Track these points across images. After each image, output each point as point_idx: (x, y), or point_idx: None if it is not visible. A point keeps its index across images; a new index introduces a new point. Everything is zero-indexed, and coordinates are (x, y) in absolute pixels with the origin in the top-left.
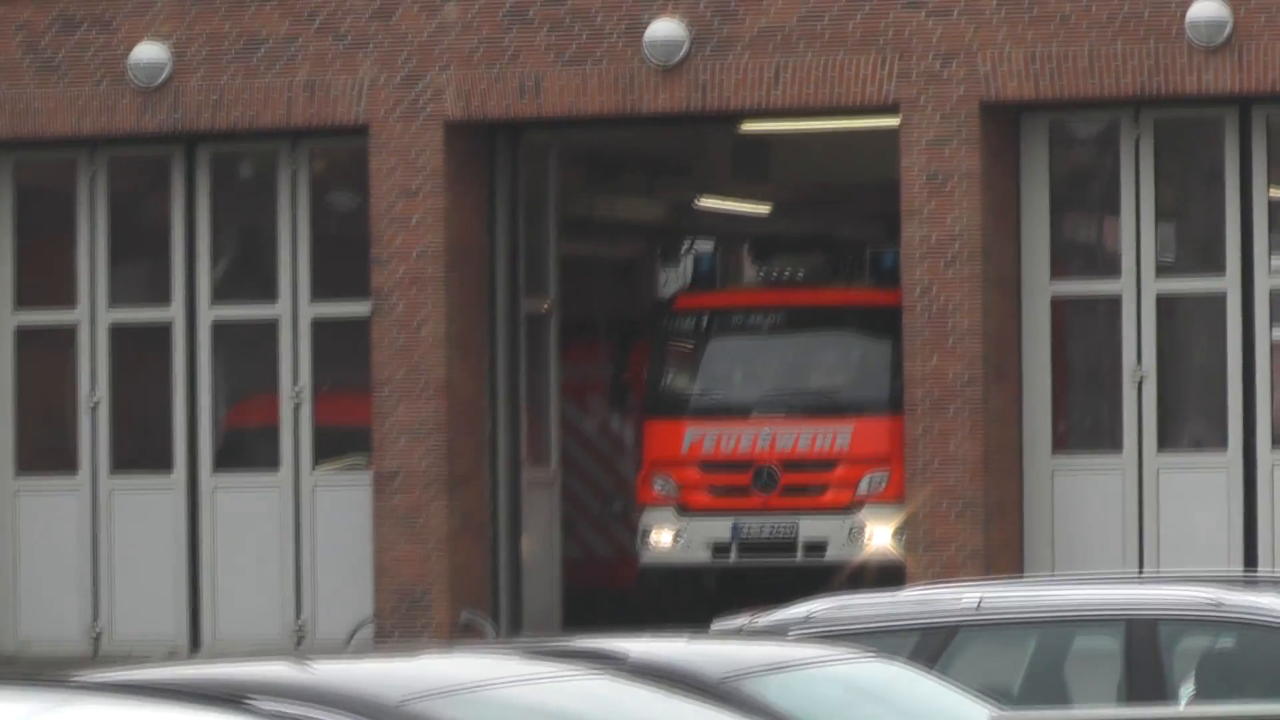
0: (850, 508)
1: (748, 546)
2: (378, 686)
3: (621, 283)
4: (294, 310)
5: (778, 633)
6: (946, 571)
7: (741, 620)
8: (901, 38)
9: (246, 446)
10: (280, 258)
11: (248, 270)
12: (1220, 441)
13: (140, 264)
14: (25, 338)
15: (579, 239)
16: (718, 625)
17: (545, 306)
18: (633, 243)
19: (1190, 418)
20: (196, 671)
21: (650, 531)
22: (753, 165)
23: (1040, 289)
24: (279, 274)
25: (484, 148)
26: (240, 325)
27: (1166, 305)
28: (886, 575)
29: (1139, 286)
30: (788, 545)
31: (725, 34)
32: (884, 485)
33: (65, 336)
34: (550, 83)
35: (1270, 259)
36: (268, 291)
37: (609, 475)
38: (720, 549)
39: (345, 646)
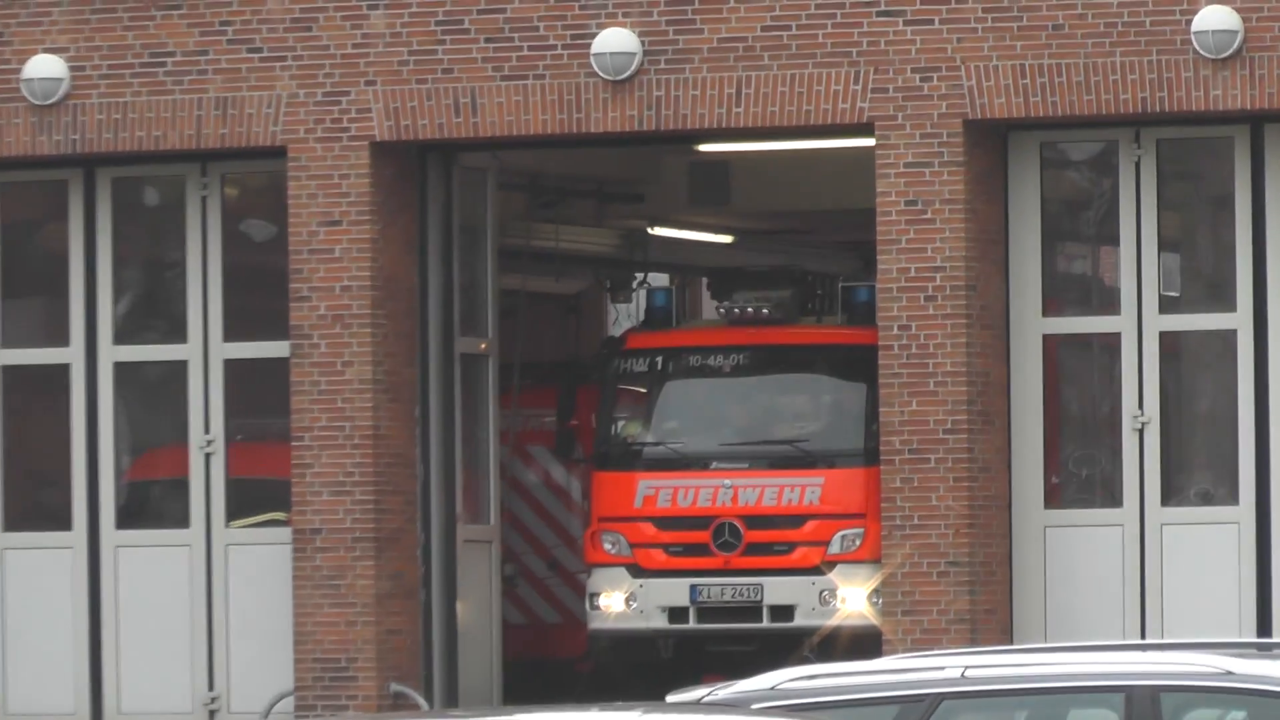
0: (821, 568)
1: (707, 611)
2: None
3: (567, 320)
4: (205, 351)
5: (740, 706)
6: (927, 638)
7: (700, 692)
8: (877, 49)
9: (153, 501)
10: (189, 293)
11: (154, 307)
12: (1231, 495)
13: (34, 300)
14: None
15: (520, 272)
16: (674, 698)
17: (482, 347)
18: (579, 276)
19: (1197, 468)
20: None
21: (600, 594)
22: (712, 190)
23: (1031, 327)
24: (188, 311)
25: (414, 171)
26: (146, 367)
27: (1171, 344)
28: (861, 642)
29: (1140, 323)
30: (752, 609)
31: (681, 45)
32: (858, 543)
33: None
34: (488, 100)
35: None
36: (176, 330)
37: (553, 533)
38: (677, 613)
39: None
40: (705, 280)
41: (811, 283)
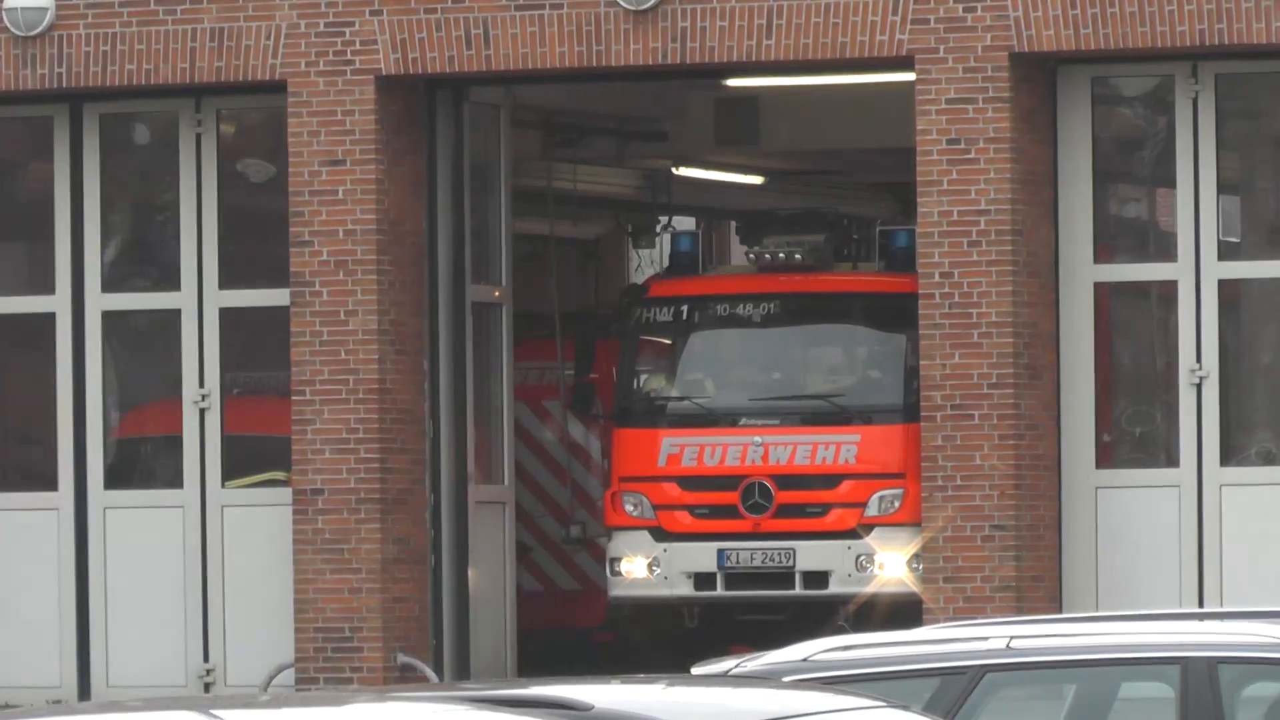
0: (857, 532)
1: (736, 577)
2: None
3: (586, 267)
4: (199, 299)
5: (770, 679)
6: (971, 607)
7: (727, 664)
8: None
9: (144, 459)
10: (183, 237)
11: (145, 252)
12: None
13: (18, 245)
14: None
15: (535, 216)
16: (700, 669)
17: (496, 295)
18: (599, 220)
19: (1258, 426)
20: None
21: (621, 559)
22: (740, 128)
23: (1081, 274)
24: (181, 256)
25: (423, 108)
26: (136, 316)
27: (1230, 293)
28: (900, 611)
29: (1198, 271)
30: (783, 576)
31: None
32: (897, 505)
33: None
34: (501, 31)
35: None
36: (168, 277)
37: (573, 494)
38: (703, 580)
39: (261, 694)
40: (734, 224)
41: (847, 227)
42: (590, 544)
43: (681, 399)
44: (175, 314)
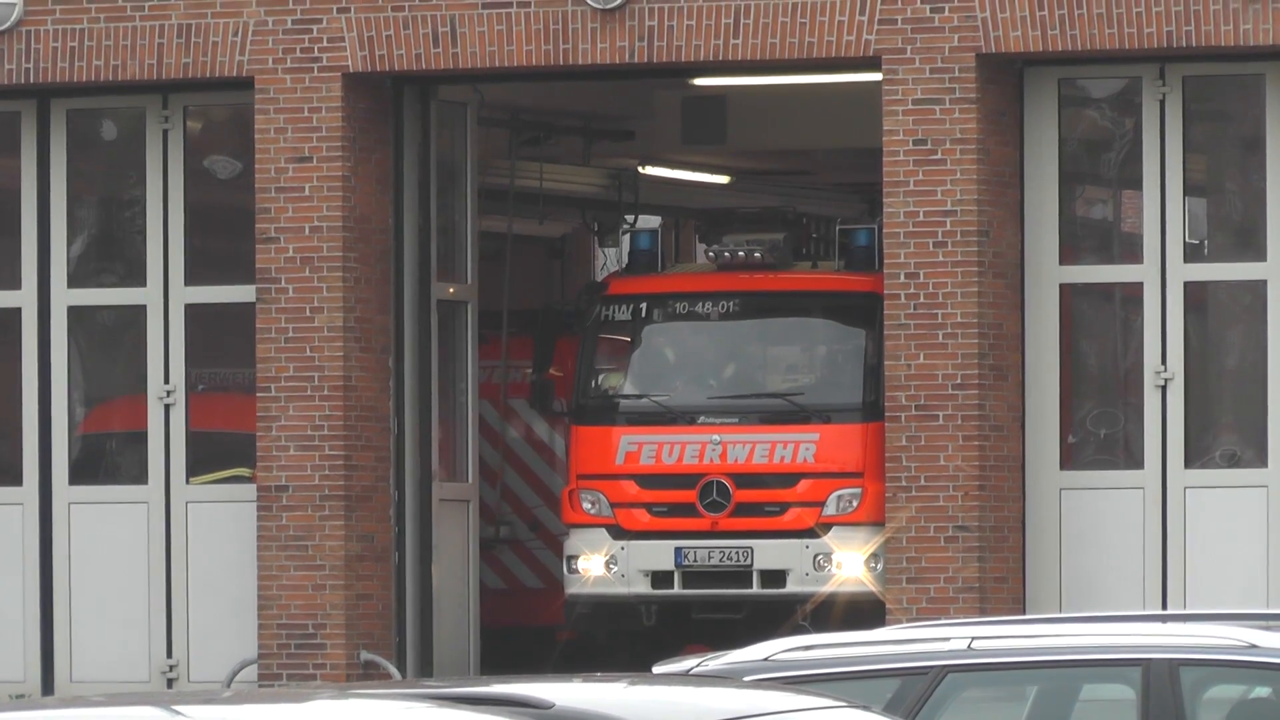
0: (815, 531)
1: (693, 575)
2: None
3: (551, 265)
4: (165, 295)
5: (730, 678)
6: (934, 607)
7: (689, 663)
8: None
9: (109, 455)
10: (149, 233)
11: (111, 247)
12: (1258, 456)
13: None
14: None
15: (501, 213)
16: (660, 668)
17: (450, 291)
18: (565, 218)
19: (1223, 428)
20: None
21: (578, 557)
22: (707, 127)
23: (1047, 276)
24: (148, 252)
25: (389, 105)
26: (102, 312)
27: (1196, 295)
28: (860, 611)
29: (1163, 273)
30: (741, 574)
31: None
32: (855, 504)
33: None
34: (468, 29)
35: None
36: (134, 272)
37: (536, 491)
38: (660, 578)
39: (224, 691)
40: (695, 222)
41: (807, 225)
42: (553, 541)
43: (640, 397)
44: (141, 310)
